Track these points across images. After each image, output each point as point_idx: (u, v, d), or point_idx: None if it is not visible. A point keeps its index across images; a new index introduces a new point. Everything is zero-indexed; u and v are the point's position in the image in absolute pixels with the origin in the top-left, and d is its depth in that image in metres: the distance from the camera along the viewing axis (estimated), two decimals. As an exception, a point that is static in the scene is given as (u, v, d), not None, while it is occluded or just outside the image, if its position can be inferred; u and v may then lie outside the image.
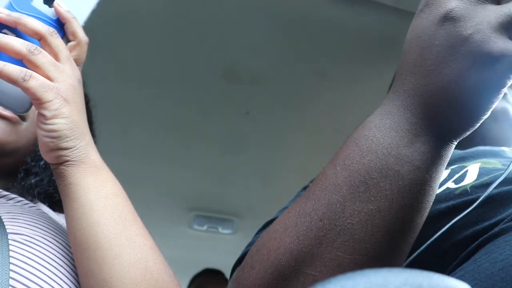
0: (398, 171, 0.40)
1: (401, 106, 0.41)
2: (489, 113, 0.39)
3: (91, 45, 1.09)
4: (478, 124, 0.40)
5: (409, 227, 0.41)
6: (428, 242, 0.41)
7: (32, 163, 0.74)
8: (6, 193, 0.63)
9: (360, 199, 0.40)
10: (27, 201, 0.66)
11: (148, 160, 1.82)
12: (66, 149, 0.52)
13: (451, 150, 0.42)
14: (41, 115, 0.50)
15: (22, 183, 0.73)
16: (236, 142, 1.75)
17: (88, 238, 0.51)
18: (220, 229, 2.34)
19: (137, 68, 1.38)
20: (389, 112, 0.42)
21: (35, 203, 0.69)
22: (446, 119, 0.40)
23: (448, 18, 0.38)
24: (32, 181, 0.72)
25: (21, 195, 0.70)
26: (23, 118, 0.67)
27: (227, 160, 1.86)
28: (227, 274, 1.69)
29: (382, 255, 0.41)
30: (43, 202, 0.73)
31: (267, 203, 1.65)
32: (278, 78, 1.46)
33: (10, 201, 0.61)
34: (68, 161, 0.52)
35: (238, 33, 1.30)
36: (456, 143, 0.42)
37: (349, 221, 0.40)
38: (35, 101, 0.50)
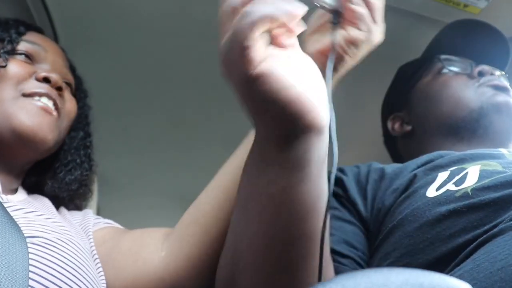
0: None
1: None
2: None
3: (91, 45, 1.08)
4: None
5: (299, 238, 0.43)
6: None
7: (69, 158, 0.77)
8: (12, 204, 0.62)
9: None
10: (40, 213, 0.64)
11: (147, 160, 1.82)
12: None
13: (298, 149, 0.43)
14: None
15: (58, 179, 0.75)
16: (237, 142, 1.74)
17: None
18: (219, 229, 2.33)
19: (137, 68, 1.38)
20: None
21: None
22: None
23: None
24: (68, 178, 0.75)
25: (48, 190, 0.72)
26: (59, 113, 0.70)
27: (227, 160, 1.86)
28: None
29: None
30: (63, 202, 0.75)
31: (266, 203, 1.65)
32: (278, 78, 1.46)
33: (19, 211, 0.60)
34: None
35: (238, 33, 1.30)
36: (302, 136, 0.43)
37: None
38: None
